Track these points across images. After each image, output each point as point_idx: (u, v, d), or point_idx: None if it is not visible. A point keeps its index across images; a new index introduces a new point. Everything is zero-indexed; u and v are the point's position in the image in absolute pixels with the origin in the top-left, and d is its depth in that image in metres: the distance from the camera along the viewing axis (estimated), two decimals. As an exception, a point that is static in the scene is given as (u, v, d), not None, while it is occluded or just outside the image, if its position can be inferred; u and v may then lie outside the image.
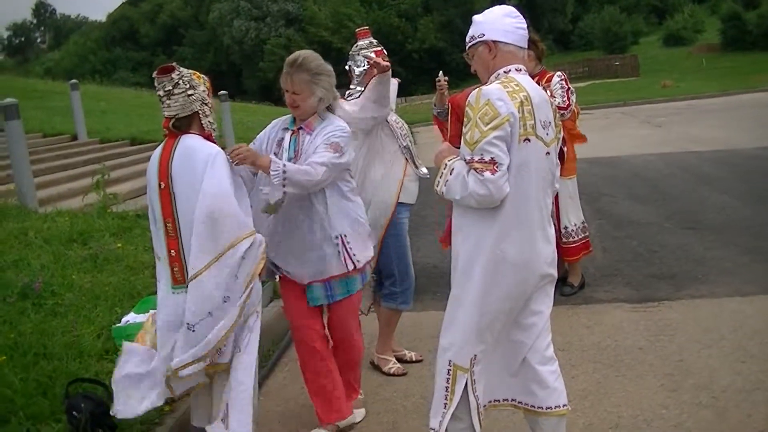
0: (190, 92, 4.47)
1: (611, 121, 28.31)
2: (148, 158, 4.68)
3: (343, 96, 5.91)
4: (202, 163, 4.37)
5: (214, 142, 4.59)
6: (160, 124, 4.53)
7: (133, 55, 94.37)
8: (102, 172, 10.83)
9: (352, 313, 5.36)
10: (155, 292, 4.82)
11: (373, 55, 6.14)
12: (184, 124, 4.52)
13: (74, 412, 4.87)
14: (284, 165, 4.60)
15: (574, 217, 7.88)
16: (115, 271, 7.82)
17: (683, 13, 74.98)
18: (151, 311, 5.34)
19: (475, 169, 3.92)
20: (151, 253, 5.48)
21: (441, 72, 6.99)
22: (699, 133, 21.65)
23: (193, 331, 4.35)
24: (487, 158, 3.91)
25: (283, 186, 4.58)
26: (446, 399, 4.21)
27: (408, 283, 6.32)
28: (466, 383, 4.18)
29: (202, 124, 4.56)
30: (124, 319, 6.43)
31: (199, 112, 4.53)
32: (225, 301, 4.35)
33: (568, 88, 7.41)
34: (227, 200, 4.36)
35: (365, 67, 6.04)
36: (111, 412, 4.68)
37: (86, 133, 18.61)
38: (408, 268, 6.28)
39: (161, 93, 4.48)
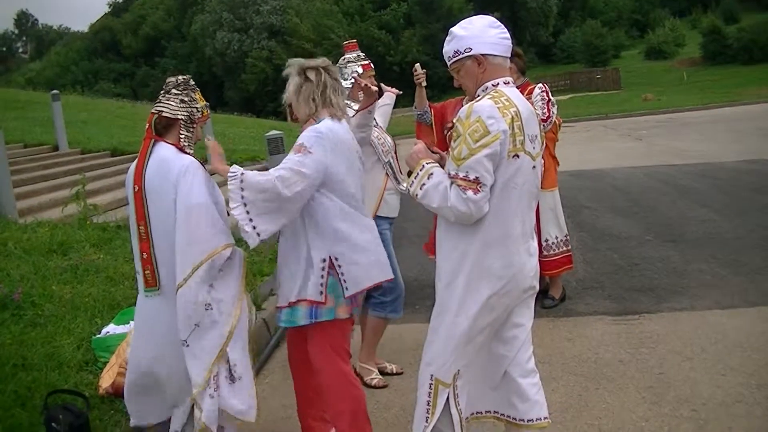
0: (185, 99, 4.52)
1: (593, 134, 28.43)
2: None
3: None
4: (174, 175, 4.39)
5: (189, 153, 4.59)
6: (141, 135, 4.53)
7: (115, 66, 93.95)
8: (82, 182, 10.78)
9: (318, 344, 4.81)
10: (135, 304, 4.80)
11: (360, 69, 6.14)
12: (163, 125, 4.54)
13: (53, 424, 4.84)
14: (243, 171, 4.40)
15: (554, 231, 7.87)
16: (95, 282, 7.79)
17: (664, 27, 75.07)
18: (132, 322, 5.33)
19: (458, 186, 3.92)
20: (131, 264, 5.46)
21: (418, 64, 6.97)
22: (680, 146, 21.75)
23: (187, 345, 4.36)
24: (471, 177, 3.90)
25: (241, 190, 4.36)
26: (428, 413, 4.20)
27: (397, 292, 6.32)
28: (448, 397, 4.17)
29: (180, 136, 4.56)
30: (104, 330, 6.42)
31: (182, 122, 4.55)
32: (207, 309, 4.35)
33: (549, 99, 7.42)
34: (200, 212, 4.36)
35: (352, 81, 6.04)
36: None
37: (67, 143, 18.55)
38: (396, 278, 6.18)
39: (163, 90, 4.54)
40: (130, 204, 4.59)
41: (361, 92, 5.64)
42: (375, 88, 5.48)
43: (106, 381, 5.68)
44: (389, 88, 6.82)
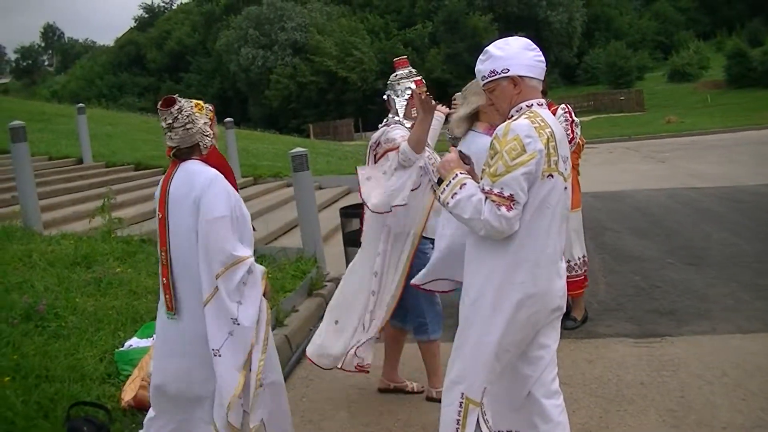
0: (188, 126, 4.53)
1: (615, 156, 28.38)
2: (153, 183, 4.74)
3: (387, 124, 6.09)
4: (199, 186, 4.43)
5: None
6: (165, 150, 4.58)
7: (139, 80, 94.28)
8: (108, 195, 10.84)
9: None
10: (157, 318, 4.84)
11: (413, 85, 6.15)
12: (185, 153, 4.59)
13: (75, 436, 4.88)
14: None
15: (577, 251, 7.88)
16: (119, 296, 7.83)
17: (688, 49, 74.93)
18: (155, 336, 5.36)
19: (492, 201, 3.94)
20: (154, 278, 5.49)
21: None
22: (703, 168, 21.68)
23: (220, 356, 4.36)
24: (506, 193, 3.92)
25: None
26: (458, 432, 4.19)
27: (434, 312, 6.24)
28: (478, 415, 4.17)
29: (202, 150, 4.63)
30: (126, 344, 6.45)
31: (200, 143, 4.59)
32: (236, 324, 4.36)
33: (573, 120, 7.41)
34: (222, 224, 4.39)
35: (407, 98, 6.09)
36: None
37: (92, 156, 18.68)
38: (434, 297, 6.12)
39: (163, 125, 4.55)
40: (156, 227, 4.65)
41: (414, 108, 5.84)
42: (434, 101, 5.60)
43: (128, 394, 5.71)
44: (439, 107, 6.84)
